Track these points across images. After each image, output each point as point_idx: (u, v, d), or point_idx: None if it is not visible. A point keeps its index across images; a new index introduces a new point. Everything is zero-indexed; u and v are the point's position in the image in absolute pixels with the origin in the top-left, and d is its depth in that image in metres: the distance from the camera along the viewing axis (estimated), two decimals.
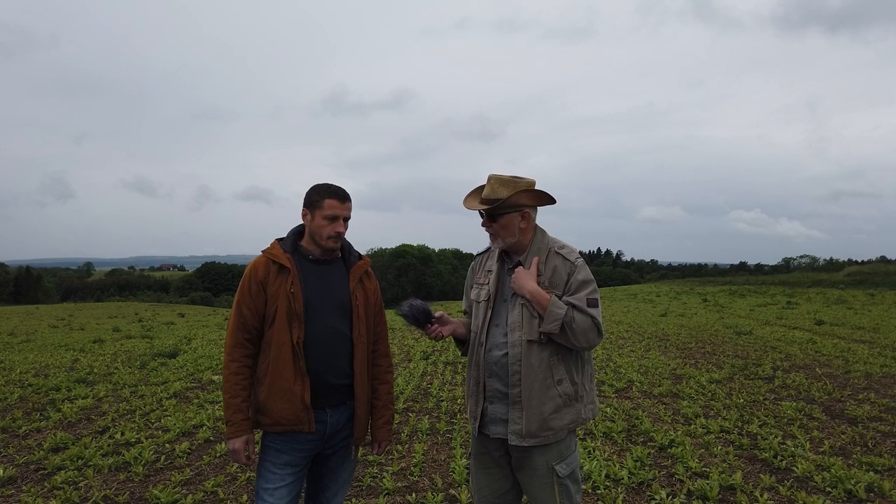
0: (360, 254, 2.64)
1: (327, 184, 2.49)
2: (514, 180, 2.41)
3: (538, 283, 2.39)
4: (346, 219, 2.49)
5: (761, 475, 4.38)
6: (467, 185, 2.72)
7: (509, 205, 2.39)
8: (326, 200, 2.44)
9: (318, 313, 2.44)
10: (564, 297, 2.36)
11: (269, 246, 2.50)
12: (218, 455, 5.04)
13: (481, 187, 2.54)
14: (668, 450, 4.98)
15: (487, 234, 2.53)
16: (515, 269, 2.45)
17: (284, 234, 2.58)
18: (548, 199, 2.47)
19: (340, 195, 2.47)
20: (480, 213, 2.48)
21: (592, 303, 2.34)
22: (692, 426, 5.70)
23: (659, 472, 4.52)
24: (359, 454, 2.72)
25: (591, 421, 4.01)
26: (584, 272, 2.41)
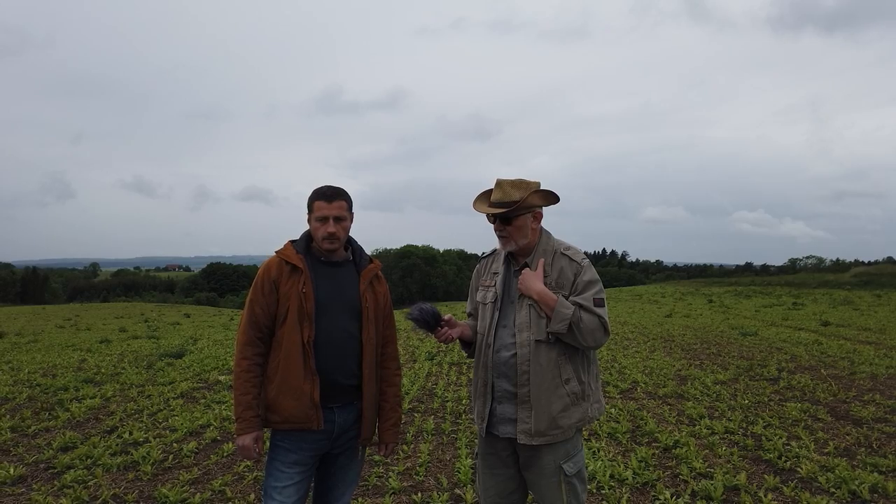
0: (370, 257, 2.67)
1: (320, 186, 2.53)
2: (524, 182, 2.45)
3: (545, 284, 2.43)
4: (339, 218, 2.48)
5: (766, 476, 4.38)
6: (469, 186, 2.75)
7: (524, 206, 2.43)
8: (315, 202, 2.48)
9: (328, 314, 2.47)
10: (571, 298, 2.40)
11: (282, 247, 2.54)
12: (225, 454, 5.08)
13: (488, 191, 2.57)
14: (673, 450, 4.99)
15: (497, 237, 2.54)
16: (522, 271, 2.47)
17: (288, 235, 2.63)
18: (554, 198, 2.52)
19: (327, 195, 2.48)
20: (489, 218, 2.50)
21: (599, 302, 2.38)
22: (697, 427, 5.71)
23: (663, 472, 4.54)
24: (365, 454, 2.75)
25: (598, 420, 4.04)
26: (591, 272, 2.45)
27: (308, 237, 2.58)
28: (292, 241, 2.57)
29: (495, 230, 2.53)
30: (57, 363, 10.59)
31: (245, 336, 2.45)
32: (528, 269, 2.46)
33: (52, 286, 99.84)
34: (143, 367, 9.84)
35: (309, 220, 2.53)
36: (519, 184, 2.44)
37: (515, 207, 2.41)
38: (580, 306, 2.36)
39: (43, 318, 31.48)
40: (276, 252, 2.52)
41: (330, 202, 2.46)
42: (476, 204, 2.56)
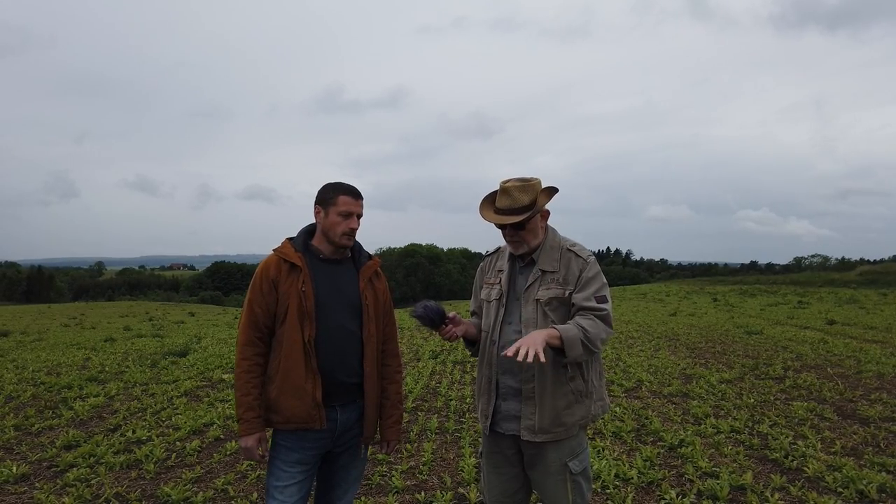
0: (370, 254, 2.65)
1: (339, 182, 2.51)
2: (529, 184, 2.41)
3: (553, 280, 2.42)
4: (359, 216, 2.51)
5: (772, 475, 4.35)
6: (472, 185, 2.70)
7: (537, 210, 2.40)
8: (340, 197, 2.46)
9: (328, 312, 2.45)
10: (574, 294, 2.37)
11: (280, 245, 2.51)
12: (228, 453, 5.07)
13: (492, 195, 2.53)
14: (678, 450, 4.96)
15: (509, 242, 2.50)
16: (512, 349, 2.15)
17: (292, 234, 2.60)
18: (555, 191, 2.50)
19: (354, 192, 2.50)
20: (499, 224, 2.45)
21: (601, 299, 2.36)
22: (702, 426, 5.68)
23: (669, 471, 4.51)
24: (368, 453, 2.73)
25: (601, 417, 4.02)
26: (595, 269, 2.43)
27: (307, 234, 2.56)
28: (290, 239, 2.55)
29: (506, 236, 2.49)
30: (61, 361, 10.61)
31: (245, 336, 2.43)
32: (519, 340, 2.18)
33: (57, 285, 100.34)
34: (147, 366, 9.84)
35: (322, 214, 2.49)
36: (525, 187, 2.40)
37: (531, 215, 2.38)
38: (580, 309, 2.34)
39: (48, 316, 31.60)
40: (273, 250, 2.50)
41: (357, 199, 2.49)
42: (484, 213, 2.51)
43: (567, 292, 2.39)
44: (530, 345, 2.11)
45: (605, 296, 2.37)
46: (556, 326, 2.28)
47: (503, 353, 2.20)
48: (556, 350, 2.27)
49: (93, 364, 10.15)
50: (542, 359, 2.09)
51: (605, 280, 2.43)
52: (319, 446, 2.49)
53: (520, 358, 2.08)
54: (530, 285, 2.46)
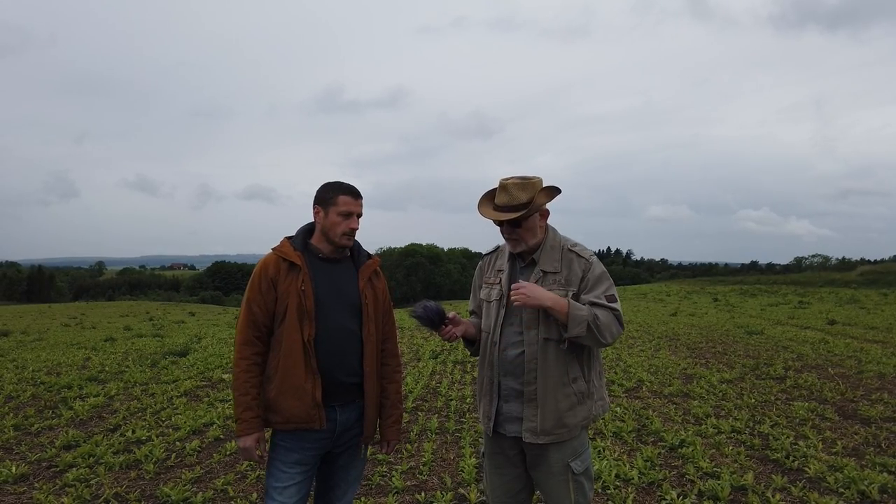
0: (369, 253, 2.64)
1: (339, 181, 2.50)
2: (529, 182, 2.39)
3: (555, 281, 2.39)
4: (359, 216, 2.50)
5: (773, 476, 4.34)
6: (472, 184, 2.69)
7: (534, 208, 2.38)
8: (340, 197, 2.45)
9: (328, 311, 2.43)
10: (582, 295, 2.35)
11: (279, 244, 2.50)
12: (228, 453, 5.06)
13: (491, 193, 2.51)
14: (679, 450, 4.95)
15: (507, 240, 2.48)
16: (519, 286, 2.29)
17: (294, 233, 2.58)
18: (557, 191, 2.48)
19: (354, 192, 2.49)
20: (496, 221, 2.44)
21: (611, 298, 2.34)
22: (703, 426, 5.66)
23: (669, 472, 4.50)
24: (367, 453, 2.72)
25: (602, 417, 4.00)
26: (600, 268, 2.41)
27: (306, 234, 2.54)
28: (289, 238, 2.53)
29: (504, 233, 2.47)
30: (61, 361, 10.60)
31: (243, 336, 2.42)
32: (527, 283, 2.31)
33: (57, 285, 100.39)
34: (147, 366, 9.83)
35: (322, 214, 2.48)
36: (524, 184, 2.38)
37: (527, 212, 2.36)
38: (593, 304, 2.31)
39: (48, 316, 31.58)
40: (272, 249, 2.49)
41: (356, 199, 2.48)
42: (482, 209, 2.49)
43: (569, 293, 2.37)
44: (527, 292, 2.25)
45: (614, 295, 2.36)
46: (568, 300, 2.27)
47: (513, 287, 2.31)
48: (561, 326, 2.28)
49: (93, 364, 10.13)
50: (520, 301, 2.24)
51: (611, 280, 2.42)
52: (319, 447, 2.48)
53: (513, 298, 2.26)
54: None
